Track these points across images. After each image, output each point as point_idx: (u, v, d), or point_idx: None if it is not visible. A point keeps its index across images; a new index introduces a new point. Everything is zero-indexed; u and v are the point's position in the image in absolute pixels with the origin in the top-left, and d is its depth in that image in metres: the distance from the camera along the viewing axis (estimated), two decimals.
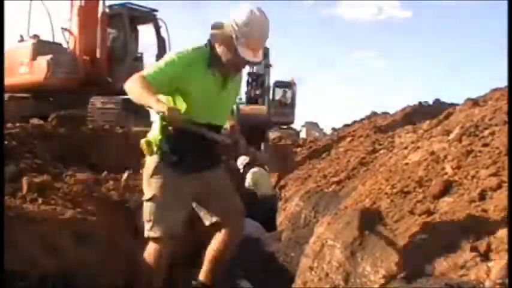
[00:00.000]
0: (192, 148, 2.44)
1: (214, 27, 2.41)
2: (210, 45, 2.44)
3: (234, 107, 2.67)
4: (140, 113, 11.25)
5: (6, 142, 3.62)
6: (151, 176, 2.48)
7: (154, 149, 2.42)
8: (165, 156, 2.43)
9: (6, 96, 10.00)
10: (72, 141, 4.67)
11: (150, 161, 2.48)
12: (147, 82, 2.28)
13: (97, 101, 10.04)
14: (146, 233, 2.49)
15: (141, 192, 3.78)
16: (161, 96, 2.32)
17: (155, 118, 2.47)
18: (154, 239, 2.47)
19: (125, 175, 3.94)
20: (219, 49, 2.41)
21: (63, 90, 10.58)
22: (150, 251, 2.49)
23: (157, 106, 2.18)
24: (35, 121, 6.02)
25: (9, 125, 4.35)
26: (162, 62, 2.38)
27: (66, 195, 3.10)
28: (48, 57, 10.32)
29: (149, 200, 2.48)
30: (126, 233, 3.25)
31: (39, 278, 2.30)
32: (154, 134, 2.44)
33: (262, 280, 3.57)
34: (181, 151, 2.44)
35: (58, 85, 10.48)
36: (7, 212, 2.40)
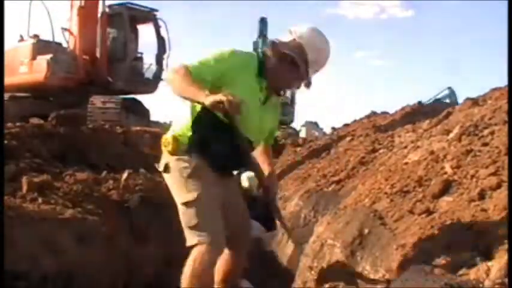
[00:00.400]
0: (224, 149, 2.23)
1: (278, 43, 2.29)
2: (264, 55, 2.32)
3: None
4: (140, 113, 11.31)
5: (6, 142, 3.62)
6: (190, 176, 2.22)
7: (183, 145, 2.24)
8: (200, 150, 2.23)
9: (6, 96, 10.02)
10: (72, 141, 4.66)
11: (180, 161, 2.25)
12: (190, 75, 2.08)
13: (97, 101, 10.07)
14: (192, 240, 2.17)
15: (141, 191, 3.80)
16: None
17: (182, 114, 2.30)
18: (204, 246, 2.15)
19: (125, 175, 3.94)
20: (279, 66, 2.27)
21: (63, 89, 10.61)
22: (198, 259, 2.14)
23: (210, 98, 1.98)
24: (35, 120, 6.03)
25: (9, 124, 4.35)
26: (210, 57, 2.19)
27: (66, 195, 3.09)
28: (48, 56, 10.35)
29: (191, 203, 2.20)
30: (126, 232, 3.25)
31: (39, 278, 2.30)
32: (181, 130, 2.27)
33: (262, 280, 3.57)
34: (213, 150, 2.24)
35: (58, 84, 10.51)
36: (7, 211, 2.40)
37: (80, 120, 5.51)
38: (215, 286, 2.38)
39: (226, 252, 2.41)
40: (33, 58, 10.51)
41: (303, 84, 2.35)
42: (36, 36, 10.80)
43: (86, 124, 6.04)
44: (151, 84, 11.98)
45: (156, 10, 11.75)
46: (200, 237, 2.16)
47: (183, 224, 2.23)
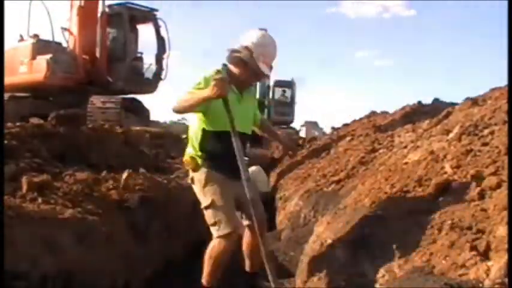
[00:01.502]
0: (226, 158, 2.72)
1: (230, 51, 2.81)
2: (227, 67, 2.85)
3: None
4: (140, 113, 11.30)
5: (6, 141, 3.62)
6: (205, 185, 2.83)
7: (199, 162, 2.85)
8: (210, 163, 2.83)
9: (6, 95, 10.01)
10: (72, 141, 4.66)
11: (198, 175, 2.86)
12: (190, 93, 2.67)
13: (97, 101, 10.05)
14: (216, 233, 2.79)
15: (141, 191, 3.80)
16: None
17: (191, 135, 2.92)
18: (224, 236, 2.76)
19: (125, 174, 3.94)
20: (237, 69, 2.82)
21: (63, 89, 10.60)
22: (217, 248, 2.79)
23: (207, 91, 2.54)
24: (35, 120, 6.02)
25: (9, 124, 4.35)
26: (195, 84, 2.72)
27: (66, 195, 3.09)
28: (48, 56, 10.33)
29: (209, 206, 2.81)
30: (125, 232, 3.25)
31: (39, 278, 2.30)
32: (194, 151, 2.88)
33: (261, 279, 3.57)
34: (219, 160, 2.82)
35: (58, 84, 10.49)
36: (7, 211, 2.40)
37: (79, 120, 5.51)
38: (246, 256, 3.09)
39: (246, 230, 3.03)
40: (33, 58, 10.50)
41: (267, 72, 2.87)
42: (36, 36, 10.79)
43: (86, 124, 6.05)
44: (151, 84, 11.98)
45: (156, 10, 11.76)
46: (220, 232, 2.77)
47: (207, 222, 2.84)
